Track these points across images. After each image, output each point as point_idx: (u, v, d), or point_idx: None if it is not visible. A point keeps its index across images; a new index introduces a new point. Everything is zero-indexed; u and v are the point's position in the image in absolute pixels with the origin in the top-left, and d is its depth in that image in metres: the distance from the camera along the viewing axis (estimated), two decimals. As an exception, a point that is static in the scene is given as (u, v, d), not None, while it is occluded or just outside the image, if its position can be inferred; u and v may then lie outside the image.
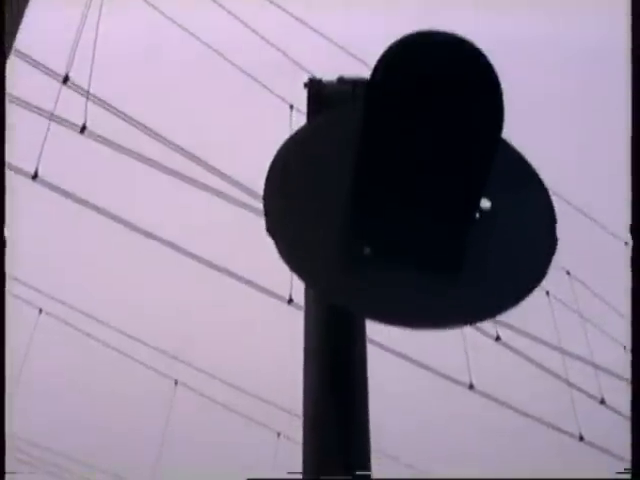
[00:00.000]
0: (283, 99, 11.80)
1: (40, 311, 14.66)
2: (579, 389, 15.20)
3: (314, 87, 3.11)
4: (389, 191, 2.52)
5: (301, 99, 3.23)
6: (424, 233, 2.54)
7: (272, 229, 2.55)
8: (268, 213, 2.59)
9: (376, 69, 2.41)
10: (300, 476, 2.62)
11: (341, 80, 3.08)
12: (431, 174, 2.50)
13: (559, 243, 2.72)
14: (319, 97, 3.08)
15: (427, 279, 2.52)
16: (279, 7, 12.77)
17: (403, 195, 2.52)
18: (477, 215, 2.58)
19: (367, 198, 2.52)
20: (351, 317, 2.79)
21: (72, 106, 10.68)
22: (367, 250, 2.53)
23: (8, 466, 2.39)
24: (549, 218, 2.74)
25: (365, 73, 2.63)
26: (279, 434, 16.25)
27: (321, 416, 2.68)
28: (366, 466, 2.63)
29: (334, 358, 2.75)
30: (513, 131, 2.72)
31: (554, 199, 2.79)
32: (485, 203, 2.59)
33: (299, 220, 2.62)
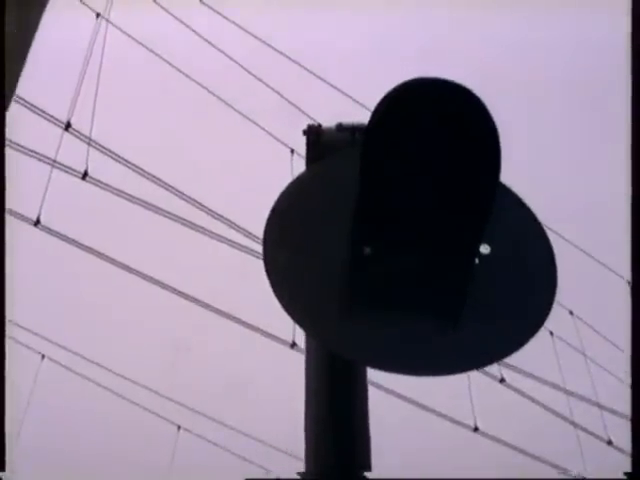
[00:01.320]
0: (284, 144, 11.84)
1: (43, 357, 14.63)
2: (584, 429, 15.12)
3: (313, 134, 3.13)
4: (388, 238, 2.54)
5: (300, 142, 3.25)
6: (424, 279, 2.55)
7: (272, 278, 2.57)
8: (267, 262, 2.61)
9: (374, 115, 2.44)
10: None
11: (340, 127, 3.10)
12: (430, 220, 2.51)
13: (561, 283, 2.73)
14: (318, 144, 3.10)
15: (427, 326, 2.52)
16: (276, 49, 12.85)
17: (402, 241, 2.54)
18: (476, 260, 2.59)
19: (366, 245, 2.54)
20: (352, 363, 2.80)
21: (74, 152, 10.73)
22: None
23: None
24: (549, 262, 2.75)
25: (364, 117, 2.65)
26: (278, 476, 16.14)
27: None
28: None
29: (334, 400, 2.75)
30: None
31: (555, 238, 2.80)
32: (484, 248, 2.61)
33: (298, 269, 2.64)
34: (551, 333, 14.87)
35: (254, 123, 12.83)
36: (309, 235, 2.69)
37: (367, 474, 2.68)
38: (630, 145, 2.63)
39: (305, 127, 3.14)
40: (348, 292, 2.57)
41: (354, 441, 2.70)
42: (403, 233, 2.54)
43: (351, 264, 2.57)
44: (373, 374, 2.97)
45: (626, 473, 2.61)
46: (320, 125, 3.15)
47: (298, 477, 2.68)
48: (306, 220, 2.73)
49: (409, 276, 2.55)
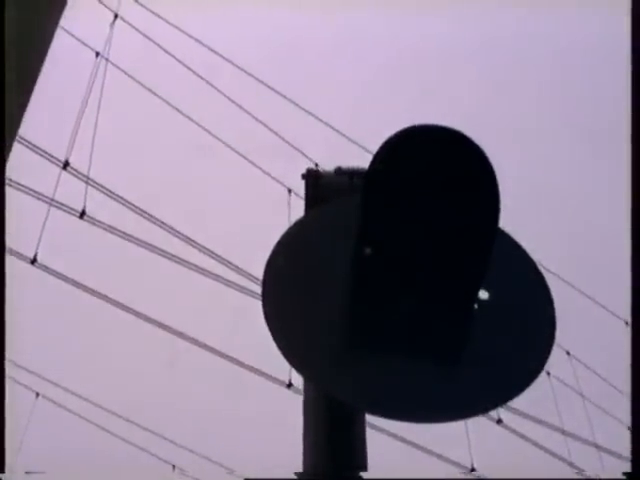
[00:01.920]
0: (282, 183, 11.87)
1: (37, 395, 14.57)
2: (581, 471, 15.04)
3: (312, 178, 3.14)
4: (387, 285, 2.54)
5: (299, 183, 3.25)
6: (423, 325, 2.55)
7: (269, 321, 2.57)
8: (266, 305, 2.61)
9: (374, 162, 2.45)
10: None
11: (338, 171, 3.11)
12: (429, 267, 2.51)
13: (559, 323, 2.73)
14: (317, 188, 3.11)
15: (427, 372, 2.52)
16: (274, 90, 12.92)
17: (401, 288, 2.54)
18: (475, 306, 2.59)
19: (365, 292, 2.54)
20: (350, 408, 2.79)
21: (72, 190, 10.75)
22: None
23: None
24: (547, 307, 2.75)
25: (360, 162, 2.66)
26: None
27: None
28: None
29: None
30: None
31: (553, 279, 2.80)
32: (483, 294, 2.61)
33: (296, 313, 2.64)
34: (548, 373, 14.82)
35: (252, 164, 12.87)
36: (308, 280, 2.69)
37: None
38: (630, 145, 2.64)
39: (304, 171, 3.15)
40: (346, 338, 2.56)
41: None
42: (402, 279, 2.54)
43: (350, 310, 2.57)
44: (370, 416, 2.96)
45: (625, 473, 2.60)
46: (318, 170, 3.16)
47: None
48: (305, 265, 2.73)
49: (408, 322, 2.55)
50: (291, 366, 2.57)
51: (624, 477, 2.70)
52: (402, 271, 2.53)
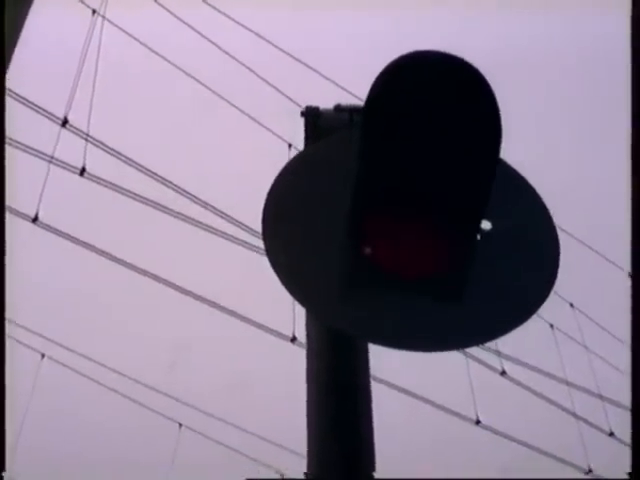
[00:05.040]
0: (281, 138, 11.80)
1: (42, 356, 14.61)
2: (586, 421, 15.10)
3: (311, 116, 3.11)
4: (387, 216, 2.52)
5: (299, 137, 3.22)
6: (425, 257, 2.53)
7: (272, 258, 2.54)
8: (267, 241, 2.58)
9: (372, 91, 2.40)
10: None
11: (338, 108, 3.08)
12: (430, 198, 2.49)
13: (562, 275, 2.70)
14: (316, 126, 3.08)
15: (429, 302, 2.50)
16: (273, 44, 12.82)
17: (402, 219, 2.52)
18: (478, 237, 2.56)
19: (365, 223, 2.52)
20: (353, 342, 2.78)
21: (71, 148, 10.71)
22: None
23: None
24: (551, 237, 2.72)
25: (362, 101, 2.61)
26: (282, 476, 16.13)
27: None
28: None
29: (336, 376, 2.74)
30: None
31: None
32: (485, 224, 2.58)
33: (297, 247, 2.61)
34: (551, 326, 14.85)
35: (252, 119, 12.80)
36: (308, 214, 2.67)
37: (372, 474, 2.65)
38: (630, 145, 2.61)
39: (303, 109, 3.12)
40: (348, 269, 2.54)
41: (358, 441, 2.68)
42: (403, 209, 2.51)
43: (351, 241, 2.54)
44: (376, 368, 2.94)
45: (629, 473, 2.59)
46: (317, 107, 3.12)
47: (304, 477, 2.65)
48: (304, 199, 2.70)
49: (409, 253, 2.53)
50: (294, 298, 2.54)
51: (627, 477, 2.68)
52: (402, 202, 2.51)
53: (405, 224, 2.55)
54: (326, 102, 3.19)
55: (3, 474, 2.45)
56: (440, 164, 2.44)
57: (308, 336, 2.89)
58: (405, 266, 2.53)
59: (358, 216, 2.52)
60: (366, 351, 2.82)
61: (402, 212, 2.53)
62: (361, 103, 2.52)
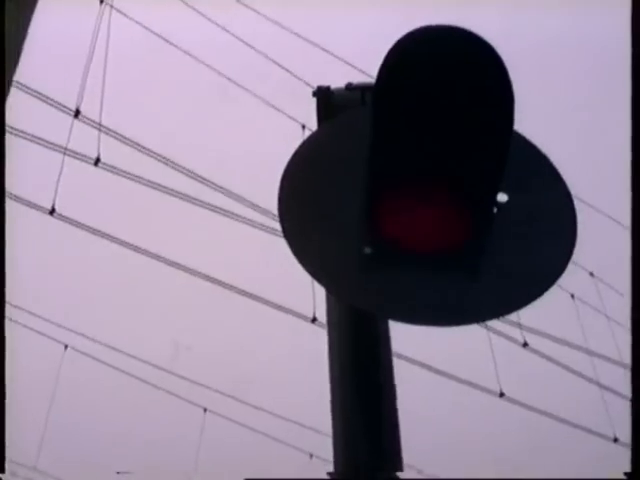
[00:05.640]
0: (294, 119, 11.79)
1: (65, 347, 14.67)
2: (610, 390, 15.09)
3: (323, 95, 3.10)
4: (403, 192, 2.51)
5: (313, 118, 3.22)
6: (441, 230, 2.53)
7: (289, 239, 2.53)
8: (283, 223, 2.58)
9: (381, 70, 2.39)
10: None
11: (349, 86, 3.07)
12: (445, 172, 2.48)
13: (581, 245, 2.69)
14: (328, 105, 3.07)
15: (446, 276, 2.50)
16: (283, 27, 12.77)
17: (417, 195, 2.51)
18: (495, 210, 2.55)
19: (381, 200, 2.51)
20: (373, 319, 2.77)
21: (85, 139, 10.72)
22: (368, 250, 2.51)
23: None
24: (568, 210, 2.70)
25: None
26: (311, 455, 16.18)
27: (350, 416, 2.66)
28: (398, 464, 2.61)
29: (358, 358, 2.74)
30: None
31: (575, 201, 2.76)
32: (502, 197, 2.57)
33: (314, 225, 2.61)
34: (572, 296, 14.83)
35: (266, 102, 12.79)
36: (323, 193, 2.66)
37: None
38: (630, 146, 2.60)
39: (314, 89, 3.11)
40: (366, 246, 2.54)
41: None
42: (418, 185, 2.51)
43: (367, 218, 2.54)
44: (399, 345, 2.94)
45: (626, 473, 2.58)
46: (329, 86, 3.11)
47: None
48: (319, 178, 2.70)
49: (426, 227, 2.53)
50: (313, 278, 2.53)
51: (624, 477, 2.67)
52: (416, 178, 2.51)
53: (420, 200, 2.54)
54: (339, 84, 3.19)
55: (2, 476, 2.46)
56: (454, 137, 2.43)
57: (328, 316, 2.90)
58: (422, 241, 2.53)
59: (374, 193, 2.51)
60: (387, 328, 2.82)
61: (417, 188, 2.53)
62: (373, 81, 2.51)
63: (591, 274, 15.15)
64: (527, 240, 2.61)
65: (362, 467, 2.57)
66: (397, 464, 2.60)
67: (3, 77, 2.55)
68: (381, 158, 2.46)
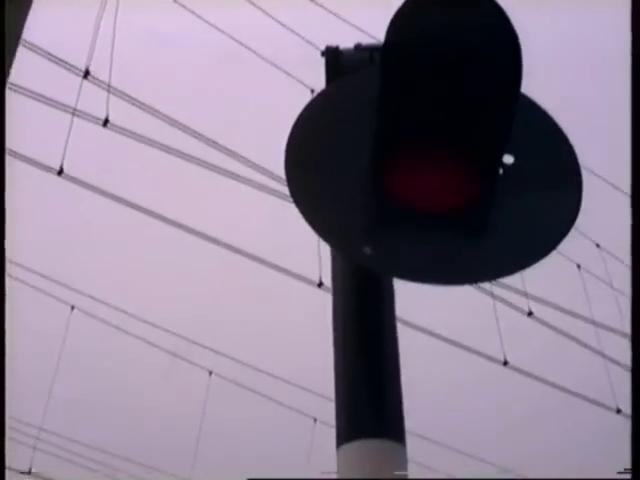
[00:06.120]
0: (303, 83, 11.75)
1: (72, 308, 14.71)
2: (614, 361, 15.11)
3: (331, 56, 3.09)
4: (409, 152, 2.51)
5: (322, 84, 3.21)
6: (446, 191, 2.53)
7: (296, 197, 2.54)
8: (290, 181, 2.58)
9: (389, 29, 2.39)
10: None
11: (358, 47, 3.06)
12: (452, 132, 2.48)
13: (588, 216, 2.69)
14: (337, 65, 3.07)
15: (454, 237, 2.51)
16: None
17: (423, 154, 2.52)
18: (501, 171, 2.56)
19: (387, 159, 2.51)
20: (378, 278, 2.78)
21: (94, 100, 10.71)
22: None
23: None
24: (573, 171, 2.70)
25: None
26: (315, 420, 16.26)
27: (353, 380, 2.68)
28: (400, 430, 2.62)
29: (362, 323, 2.75)
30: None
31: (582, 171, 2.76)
32: (508, 159, 2.57)
33: (322, 185, 2.61)
34: (578, 266, 14.83)
35: (275, 66, 12.75)
36: (330, 152, 2.66)
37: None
38: (630, 146, 2.60)
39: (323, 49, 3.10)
40: (372, 205, 2.55)
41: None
42: (424, 145, 2.51)
43: (374, 177, 2.55)
44: (404, 312, 2.95)
45: (626, 469, 2.58)
46: (337, 47, 3.10)
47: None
48: (326, 138, 2.70)
49: (432, 187, 2.54)
50: (320, 237, 2.54)
51: (623, 476, 2.66)
52: (424, 138, 2.51)
53: (427, 159, 2.55)
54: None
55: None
56: (461, 98, 2.43)
57: (333, 280, 2.90)
58: (427, 201, 2.53)
59: (380, 152, 2.52)
60: (392, 293, 2.83)
61: (424, 147, 2.53)
62: (381, 42, 2.50)
63: (597, 245, 15.14)
64: (532, 202, 2.61)
65: (364, 410, 2.58)
66: (399, 434, 2.62)
67: (3, 77, 2.54)
68: (388, 117, 2.46)
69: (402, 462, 2.55)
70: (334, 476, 2.57)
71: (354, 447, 2.54)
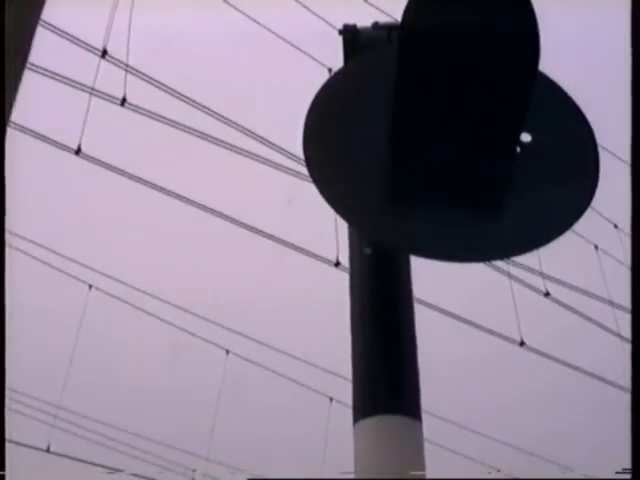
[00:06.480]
0: (322, 63, 11.72)
1: (90, 287, 14.75)
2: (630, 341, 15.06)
3: (349, 34, 3.10)
4: (427, 130, 2.52)
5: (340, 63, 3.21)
6: (465, 169, 2.54)
7: (313, 174, 2.55)
8: (308, 158, 2.60)
9: (407, 9, 2.39)
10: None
11: (376, 26, 3.06)
12: (470, 109, 2.49)
13: (606, 196, 2.69)
14: (354, 44, 3.07)
15: (470, 215, 2.52)
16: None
17: (442, 133, 2.52)
18: (518, 149, 2.57)
19: (405, 138, 2.52)
20: (395, 257, 2.79)
21: (112, 79, 10.72)
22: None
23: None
24: (592, 152, 2.70)
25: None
26: (331, 399, 16.29)
27: (370, 357, 2.70)
28: (416, 406, 2.64)
29: (379, 302, 2.76)
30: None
31: (600, 152, 2.76)
32: (526, 137, 2.58)
33: (339, 162, 2.62)
34: (596, 247, 14.77)
35: (293, 46, 12.71)
36: (348, 131, 2.67)
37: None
38: (630, 146, 2.60)
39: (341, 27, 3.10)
40: (389, 183, 2.56)
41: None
42: (443, 124, 2.51)
43: (391, 156, 2.55)
44: (421, 291, 2.96)
45: (625, 469, 2.58)
46: (355, 25, 3.10)
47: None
48: (344, 116, 2.71)
49: (450, 167, 2.54)
50: (337, 213, 2.55)
51: (623, 476, 2.67)
52: (441, 116, 2.51)
53: (445, 137, 2.55)
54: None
55: (2, 473, 2.49)
56: (479, 76, 2.43)
57: (351, 259, 2.91)
58: (445, 179, 2.54)
59: (399, 132, 2.53)
60: (408, 272, 2.84)
61: (441, 125, 2.54)
62: (399, 21, 2.50)
63: (615, 226, 15.06)
64: (548, 181, 2.62)
65: (380, 411, 2.59)
66: (415, 410, 2.63)
67: (3, 77, 2.56)
68: (406, 96, 2.47)
69: (418, 438, 2.57)
70: (351, 476, 2.59)
71: (370, 423, 2.56)
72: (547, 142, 2.64)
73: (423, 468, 2.53)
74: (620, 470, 2.54)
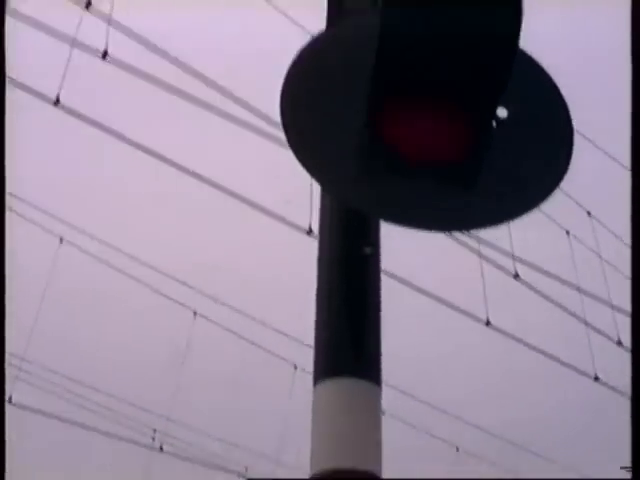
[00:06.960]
0: (303, 27, 11.66)
1: (61, 240, 14.69)
2: (595, 329, 15.18)
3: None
4: (405, 100, 2.52)
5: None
6: (440, 142, 2.54)
7: (290, 136, 2.55)
8: (284, 119, 2.59)
9: None
10: None
11: None
12: (448, 83, 2.49)
13: (580, 184, 2.71)
14: (338, 7, 3.06)
15: (442, 184, 2.53)
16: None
17: (419, 103, 2.52)
18: (494, 124, 2.58)
19: (383, 106, 2.52)
20: (366, 221, 2.80)
21: (94, 32, 10.62)
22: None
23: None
24: (566, 128, 2.72)
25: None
26: (296, 367, 16.35)
27: (333, 320, 2.71)
28: (377, 371, 2.66)
29: (346, 260, 2.77)
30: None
31: (577, 139, 2.77)
32: (502, 112, 2.59)
33: (316, 127, 2.62)
34: (567, 232, 14.83)
35: (277, 9, 12.63)
36: (325, 96, 2.66)
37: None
38: (630, 146, 2.61)
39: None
40: (365, 150, 2.56)
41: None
42: (420, 94, 2.52)
43: (368, 123, 2.55)
44: (392, 266, 2.97)
45: (623, 467, 2.61)
46: None
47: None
48: (322, 82, 2.69)
49: (426, 137, 2.55)
50: (312, 177, 2.55)
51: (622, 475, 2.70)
52: (421, 84, 2.51)
53: (422, 109, 2.56)
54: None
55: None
56: (458, 48, 2.43)
57: (321, 226, 2.91)
58: (421, 150, 2.55)
59: (376, 99, 2.52)
60: (378, 241, 2.85)
61: (419, 97, 2.54)
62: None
63: (588, 213, 15.12)
64: (523, 155, 2.63)
65: (341, 373, 2.60)
66: (376, 375, 2.65)
67: (3, 77, 2.53)
68: (385, 64, 2.47)
69: (377, 402, 2.59)
70: None
71: (330, 384, 2.57)
72: (523, 118, 2.65)
73: (379, 431, 2.55)
74: (599, 411, 2.57)
